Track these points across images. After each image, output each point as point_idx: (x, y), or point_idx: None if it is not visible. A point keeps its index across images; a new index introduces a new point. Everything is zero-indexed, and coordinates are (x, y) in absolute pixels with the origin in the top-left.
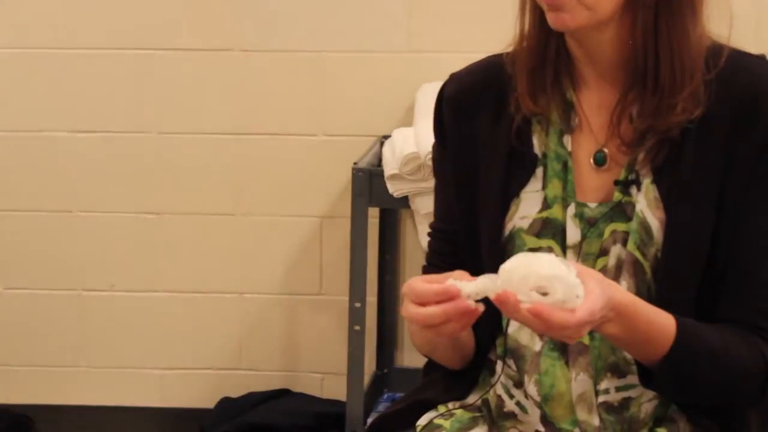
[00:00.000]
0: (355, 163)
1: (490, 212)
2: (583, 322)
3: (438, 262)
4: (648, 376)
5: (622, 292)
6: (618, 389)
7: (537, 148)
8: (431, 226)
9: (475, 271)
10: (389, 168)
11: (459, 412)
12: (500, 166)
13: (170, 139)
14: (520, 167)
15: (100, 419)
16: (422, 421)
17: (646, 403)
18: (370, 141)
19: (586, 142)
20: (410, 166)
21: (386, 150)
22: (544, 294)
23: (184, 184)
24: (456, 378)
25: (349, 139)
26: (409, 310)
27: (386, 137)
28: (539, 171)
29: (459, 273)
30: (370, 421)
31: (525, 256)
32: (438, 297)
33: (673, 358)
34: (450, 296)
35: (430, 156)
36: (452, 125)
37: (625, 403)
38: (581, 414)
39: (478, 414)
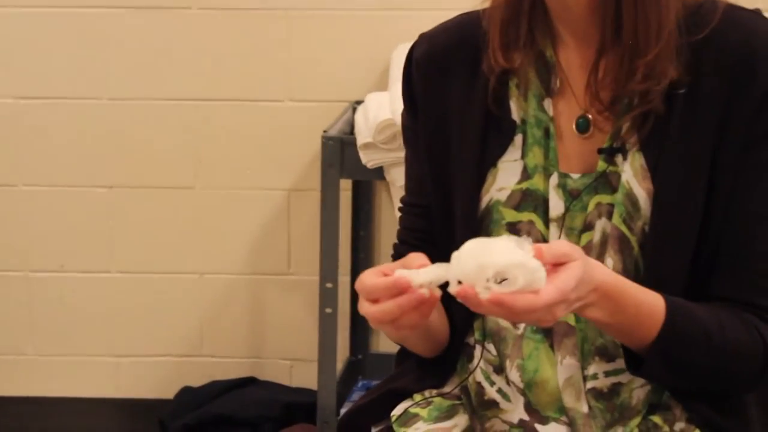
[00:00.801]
0: (324, 131)
1: (464, 184)
2: (552, 302)
3: (410, 239)
4: (636, 362)
5: (605, 271)
6: (607, 374)
7: (515, 114)
8: (402, 200)
9: (449, 249)
10: (362, 136)
11: (437, 400)
12: (475, 134)
13: (123, 106)
14: (496, 134)
15: (50, 411)
16: (397, 411)
17: (638, 389)
18: (342, 107)
19: (567, 107)
20: (385, 134)
21: (359, 116)
22: (504, 280)
23: (138, 155)
24: (431, 365)
25: (319, 105)
26: (363, 307)
27: (359, 103)
28: (518, 138)
29: (413, 256)
30: (343, 411)
31: (477, 242)
32: (388, 291)
33: (664, 342)
34: (400, 289)
35: None
36: (423, 90)
37: (616, 389)
38: (568, 401)
39: (457, 402)
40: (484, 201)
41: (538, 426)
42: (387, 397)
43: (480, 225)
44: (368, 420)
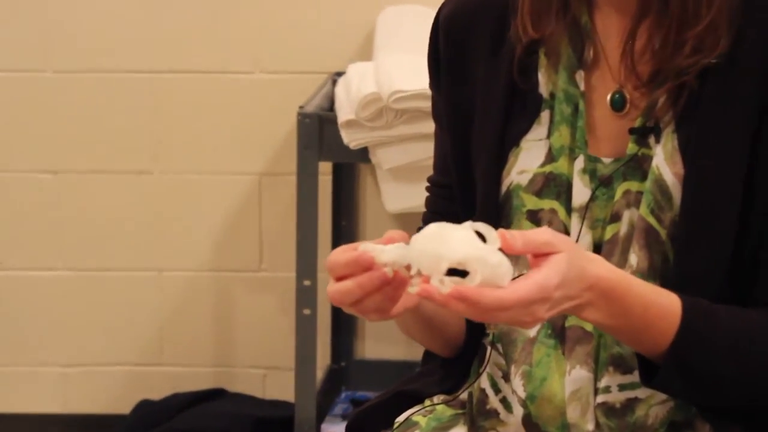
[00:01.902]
0: (300, 107)
1: (484, 165)
2: (528, 299)
3: (432, 221)
4: (652, 371)
5: (603, 266)
6: (622, 388)
7: (543, 87)
8: (429, 179)
9: None
10: (344, 112)
11: (440, 407)
12: (498, 108)
13: (69, 80)
14: (521, 110)
15: None
16: (401, 418)
17: (657, 405)
18: (320, 79)
19: (602, 81)
20: (370, 109)
21: (340, 90)
22: (464, 274)
23: (87, 136)
24: (452, 367)
25: (293, 77)
26: (328, 287)
27: (339, 74)
28: (545, 115)
29: (392, 234)
30: (324, 426)
31: (436, 228)
32: (350, 268)
33: (680, 348)
34: (363, 266)
35: (395, 97)
36: (446, 55)
37: (630, 405)
38: (572, 416)
39: (461, 411)
40: (505, 184)
41: None
42: (398, 400)
43: (501, 211)
44: (376, 423)
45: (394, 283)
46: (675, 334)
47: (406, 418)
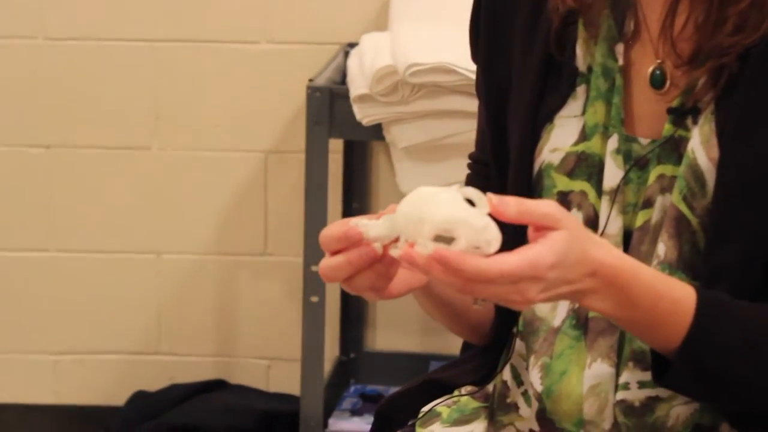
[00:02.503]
0: (310, 80)
1: (517, 142)
2: (515, 275)
3: None
4: (665, 368)
5: (610, 252)
6: (642, 385)
7: (580, 61)
8: (470, 156)
9: None
10: (356, 87)
11: (465, 399)
12: (532, 82)
13: (63, 48)
14: (556, 84)
15: None
16: (427, 408)
17: (680, 406)
18: (331, 50)
19: (642, 55)
20: (384, 84)
21: (352, 62)
22: (450, 240)
23: (81, 108)
24: (486, 357)
25: (303, 47)
26: (321, 261)
27: (352, 45)
28: (580, 90)
29: (391, 209)
30: (331, 421)
31: (421, 192)
32: (341, 243)
33: (693, 346)
34: (352, 241)
35: (411, 71)
36: (486, 26)
37: (650, 404)
38: (588, 412)
39: (484, 404)
40: (537, 163)
41: None
42: (428, 388)
43: (533, 191)
44: (405, 411)
45: (385, 260)
46: (687, 330)
47: (431, 409)
